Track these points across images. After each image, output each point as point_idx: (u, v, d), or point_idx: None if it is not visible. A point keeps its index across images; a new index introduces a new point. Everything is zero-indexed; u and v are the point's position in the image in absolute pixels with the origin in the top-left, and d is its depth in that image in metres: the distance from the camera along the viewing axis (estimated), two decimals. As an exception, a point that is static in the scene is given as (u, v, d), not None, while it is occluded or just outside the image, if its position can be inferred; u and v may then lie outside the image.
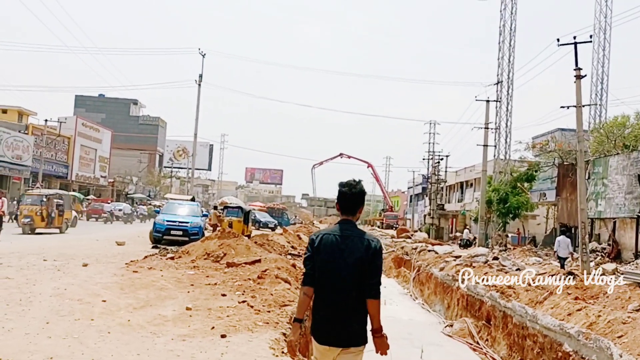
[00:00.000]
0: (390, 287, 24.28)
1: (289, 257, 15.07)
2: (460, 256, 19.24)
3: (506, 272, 14.22)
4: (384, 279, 27.37)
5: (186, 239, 16.87)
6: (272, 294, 8.22)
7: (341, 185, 3.62)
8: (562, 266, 16.66)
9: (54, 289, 7.54)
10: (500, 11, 32.17)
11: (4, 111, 46.71)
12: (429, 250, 23.42)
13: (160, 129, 78.26)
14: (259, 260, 11.75)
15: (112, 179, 58.09)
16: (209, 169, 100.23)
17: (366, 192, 3.74)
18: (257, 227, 38.81)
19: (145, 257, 12.60)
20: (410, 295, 21.44)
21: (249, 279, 9.52)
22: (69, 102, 76.62)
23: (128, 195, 57.86)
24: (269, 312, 7.16)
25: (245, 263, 11.55)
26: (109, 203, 42.65)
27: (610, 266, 15.00)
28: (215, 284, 9.15)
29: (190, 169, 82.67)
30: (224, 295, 8.10)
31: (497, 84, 30.29)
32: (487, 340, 13.38)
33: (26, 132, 41.93)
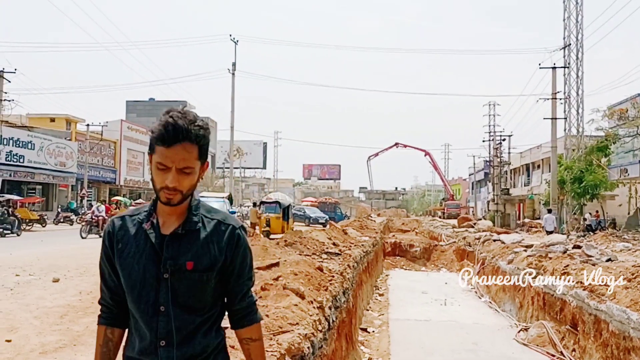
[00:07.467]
0: (452, 282, 21.67)
1: (324, 256, 12.77)
2: (531, 245, 16.30)
3: (594, 264, 11.31)
4: (446, 273, 24.88)
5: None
6: (267, 315, 5.87)
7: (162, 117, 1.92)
8: None
9: (-38, 320, 5.52)
10: (564, -36, 28.38)
11: (52, 119, 46.74)
12: (495, 240, 20.48)
13: (210, 129, 77.55)
14: (276, 264, 9.50)
15: (162, 182, 57.39)
16: (264, 167, 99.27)
17: (209, 129, 2.01)
18: (308, 223, 36.69)
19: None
20: (475, 292, 18.78)
21: (251, 291, 7.25)
22: (122, 108, 77.26)
23: (179, 198, 57.04)
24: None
25: (258, 268, 9.31)
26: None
27: None
28: (205, 300, 6.91)
29: (243, 168, 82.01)
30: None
31: (563, 48, 26.71)
32: (573, 350, 10.60)
33: (69, 138, 41.60)
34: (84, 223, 23.71)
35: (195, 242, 1.92)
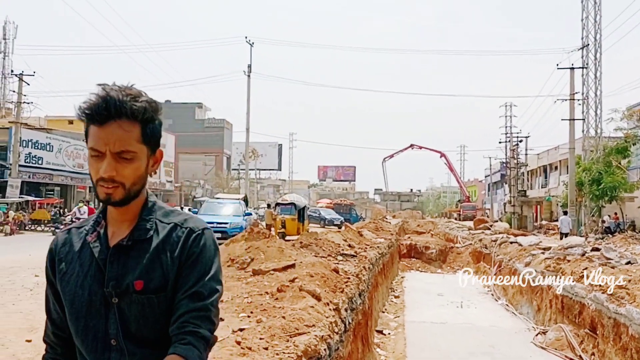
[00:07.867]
0: (468, 284, 21.55)
1: (340, 258, 12.75)
2: (549, 248, 16.14)
3: (613, 267, 11.18)
4: (459, 275, 24.73)
5: (225, 241, 14.94)
6: (284, 316, 5.87)
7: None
8: None
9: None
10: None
11: (70, 122, 47.27)
12: (511, 242, 20.33)
13: (226, 131, 78.10)
14: (292, 266, 9.51)
15: (179, 184, 57.94)
16: (279, 168, 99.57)
17: (157, 107, 1.53)
18: (323, 225, 36.74)
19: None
20: (492, 295, 18.64)
21: (267, 293, 7.26)
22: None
23: (195, 199, 57.62)
24: (265, 348, 4.80)
25: (275, 270, 9.32)
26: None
27: None
28: (222, 301, 6.93)
29: (258, 169, 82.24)
30: (221, 319, 5.82)
31: (582, 48, 26.46)
32: (592, 354, 10.48)
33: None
34: (62, 226, 20.85)
35: (145, 255, 1.49)
